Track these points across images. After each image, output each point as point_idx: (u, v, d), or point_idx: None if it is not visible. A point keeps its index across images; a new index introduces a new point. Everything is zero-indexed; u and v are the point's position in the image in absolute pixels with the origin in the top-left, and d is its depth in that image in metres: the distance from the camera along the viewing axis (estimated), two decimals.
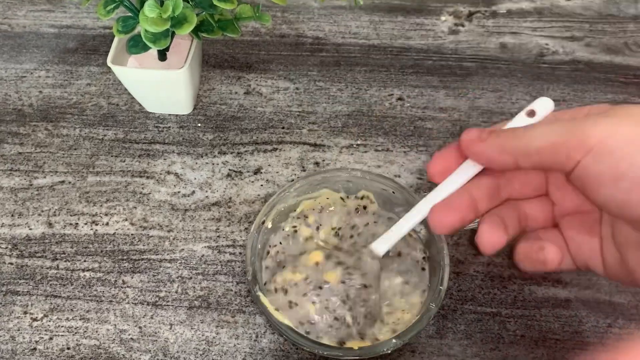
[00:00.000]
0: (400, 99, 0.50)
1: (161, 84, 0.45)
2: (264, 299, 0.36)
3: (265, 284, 0.38)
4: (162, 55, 0.46)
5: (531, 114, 0.29)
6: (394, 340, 0.34)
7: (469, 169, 0.30)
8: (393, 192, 0.40)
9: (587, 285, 0.40)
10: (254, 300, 0.39)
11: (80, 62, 0.52)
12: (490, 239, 0.29)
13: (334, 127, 0.48)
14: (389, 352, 0.34)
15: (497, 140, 0.27)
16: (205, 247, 0.42)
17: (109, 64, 0.43)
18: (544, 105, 0.29)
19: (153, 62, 0.46)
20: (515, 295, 0.40)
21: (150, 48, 0.42)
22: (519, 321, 0.39)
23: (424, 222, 0.35)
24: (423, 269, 0.38)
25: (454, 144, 0.31)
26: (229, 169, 0.46)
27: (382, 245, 0.37)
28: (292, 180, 0.45)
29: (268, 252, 0.39)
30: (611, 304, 0.40)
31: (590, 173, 0.25)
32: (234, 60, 0.52)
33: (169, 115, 0.49)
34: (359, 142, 0.47)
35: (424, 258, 0.39)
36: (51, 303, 0.40)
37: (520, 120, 0.29)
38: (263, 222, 0.39)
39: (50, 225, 0.43)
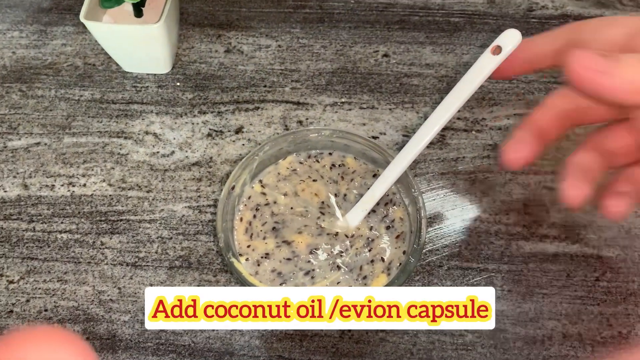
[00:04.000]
0: (385, 55, 0.48)
1: (137, 41, 0.43)
2: (238, 265, 0.35)
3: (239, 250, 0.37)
4: (138, 11, 0.44)
5: (497, 50, 0.28)
6: None
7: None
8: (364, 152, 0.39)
9: (575, 240, 0.40)
10: (227, 267, 0.38)
11: (55, 22, 0.50)
12: (575, 192, 0.28)
13: (318, 85, 0.47)
14: None
15: (629, 76, 0.22)
16: (185, 207, 0.41)
17: (81, 19, 0.42)
18: (510, 39, 0.27)
19: (129, 18, 0.44)
20: (502, 251, 0.39)
21: (123, 2, 0.40)
22: (505, 276, 0.39)
23: (402, 181, 0.35)
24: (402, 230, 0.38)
25: (530, 123, 0.28)
26: (210, 129, 0.45)
27: (355, 216, 0.36)
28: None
29: (241, 219, 0.38)
30: (599, 258, 0.39)
31: None
32: (214, 17, 0.50)
33: (147, 74, 0.47)
34: (343, 100, 0.46)
35: (401, 218, 0.38)
36: (28, 265, 0.39)
37: (487, 60, 0.28)
38: (233, 187, 0.38)
39: (25, 187, 0.42)
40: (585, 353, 0.36)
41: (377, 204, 0.37)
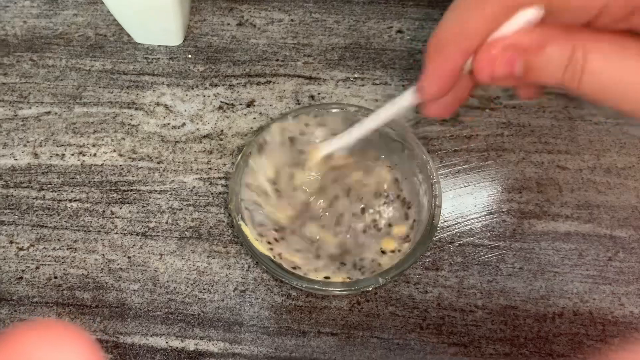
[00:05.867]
0: (399, 31, 0.48)
1: (149, 11, 0.42)
2: (245, 228, 0.35)
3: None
4: None
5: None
6: (378, 278, 0.33)
7: None
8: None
9: (587, 219, 0.39)
10: (235, 230, 0.37)
11: None
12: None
13: (330, 60, 0.46)
14: (371, 289, 0.34)
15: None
16: (196, 178, 0.41)
17: None
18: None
19: None
20: (514, 229, 0.39)
21: None
22: (517, 254, 0.38)
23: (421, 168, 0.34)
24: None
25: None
26: (221, 101, 0.44)
27: (326, 146, 0.35)
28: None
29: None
30: (612, 238, 0.39)
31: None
32: None
33: (158, 46, 0.47)
34: (356, 76, 0.45)
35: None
36: (37, 233, 0.39)
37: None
38: (250, 152, 0.37)
39: (36, 155, 0.42)
40: (596, 331, 0.36)
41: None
